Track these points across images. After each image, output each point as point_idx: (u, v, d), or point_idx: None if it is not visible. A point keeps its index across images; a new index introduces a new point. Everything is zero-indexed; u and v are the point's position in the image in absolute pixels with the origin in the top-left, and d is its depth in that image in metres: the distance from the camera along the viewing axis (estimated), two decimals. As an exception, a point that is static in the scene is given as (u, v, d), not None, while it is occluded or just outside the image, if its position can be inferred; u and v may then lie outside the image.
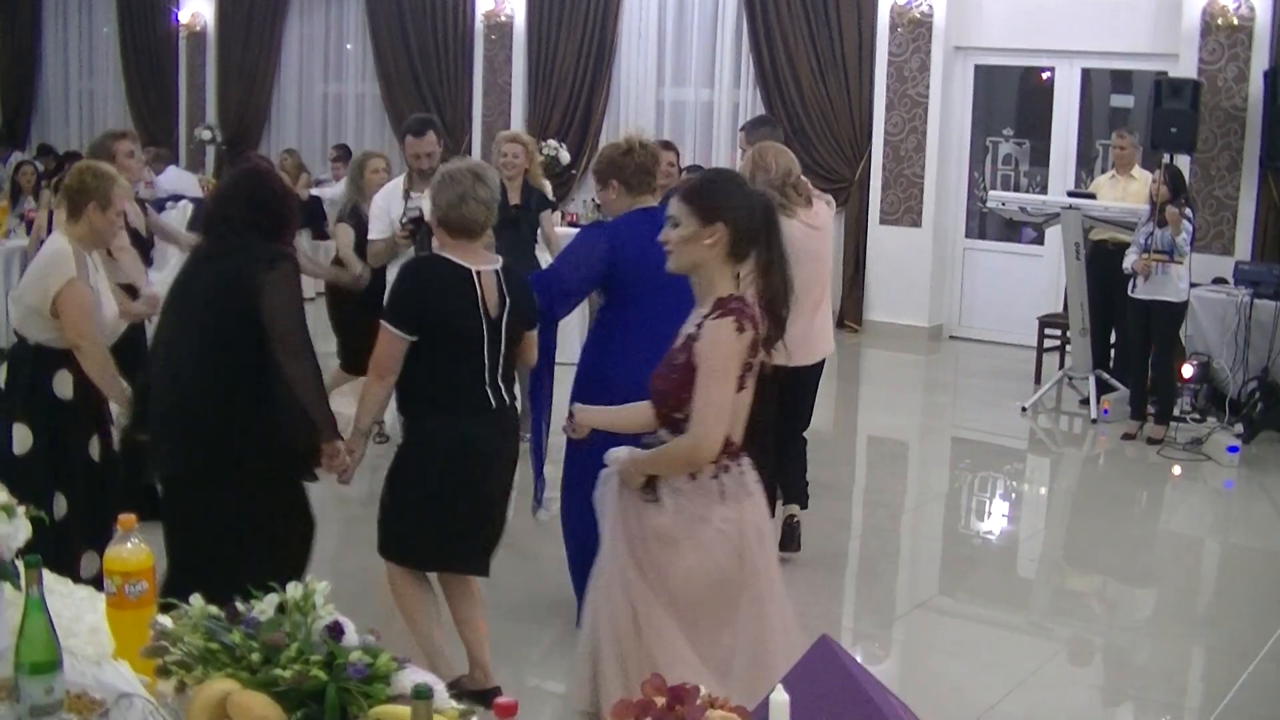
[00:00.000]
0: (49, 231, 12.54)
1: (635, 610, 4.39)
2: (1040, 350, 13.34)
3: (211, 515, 5.54)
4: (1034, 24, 14.62)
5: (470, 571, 6.00)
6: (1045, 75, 15.26)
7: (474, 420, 5.71)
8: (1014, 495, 10.71)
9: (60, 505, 6.16)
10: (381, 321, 5.65)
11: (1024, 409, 12.25)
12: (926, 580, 8.37)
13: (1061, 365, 13.04)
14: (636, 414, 4.67)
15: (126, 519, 3.36)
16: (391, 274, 8.20)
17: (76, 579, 5.96)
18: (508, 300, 5.71)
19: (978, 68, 15.52)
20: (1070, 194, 12.90)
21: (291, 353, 5.41)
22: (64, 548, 5.97)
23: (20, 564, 3.39)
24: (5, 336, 12.78)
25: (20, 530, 3.59)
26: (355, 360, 8.91)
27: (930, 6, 14.98)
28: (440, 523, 5.76)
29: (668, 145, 10.20)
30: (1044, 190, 14.87)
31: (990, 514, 10.09)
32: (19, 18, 24.75)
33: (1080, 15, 14.25)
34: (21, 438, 6.17)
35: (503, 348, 5.73)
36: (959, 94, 15.48)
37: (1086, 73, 14.90)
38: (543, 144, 16.42)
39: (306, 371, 5.51)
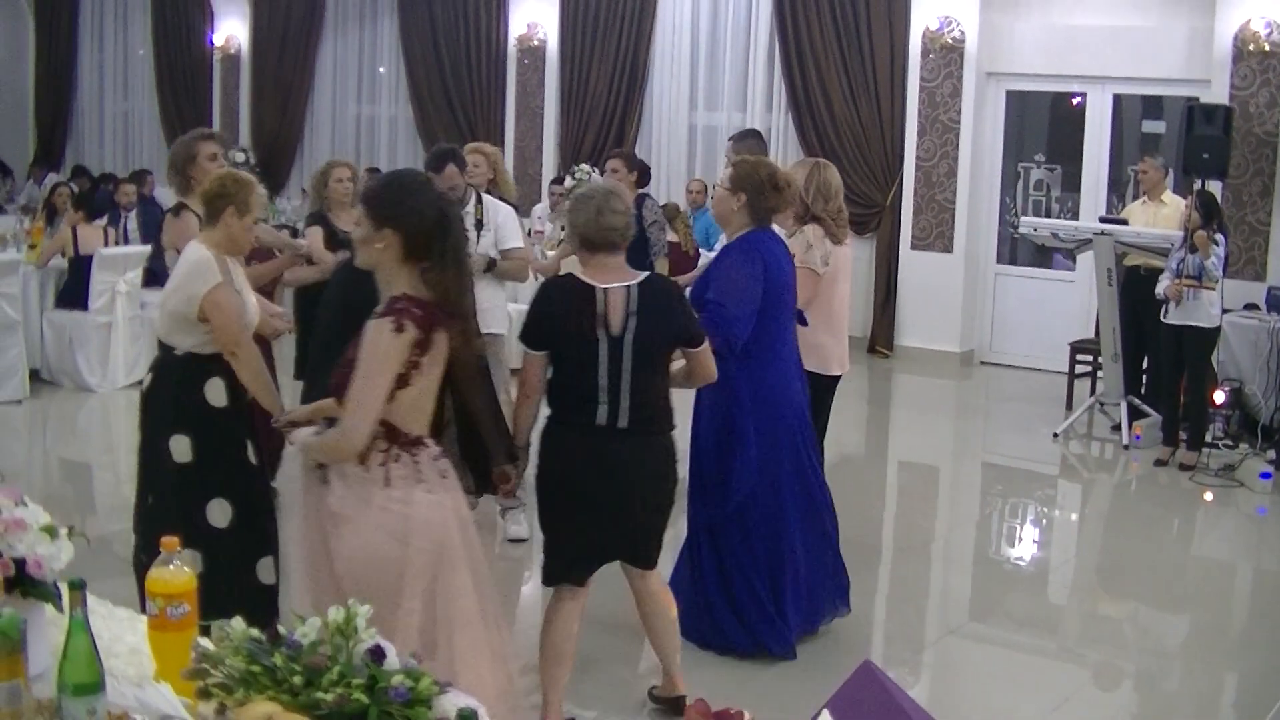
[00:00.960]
0: (75, 247, 12.77)
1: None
2: (1072, 376, 13.32)
3: None
4: (1066, 50, 14.62)
5: (632, 561, 6.04)
6: (1077, 101, 15.25)
7: (592, 437, 5.68)
8: (1046, 521, 10.69)
9: (225, 512, 6.11)
10: (522, 344, 5.78)
11: (1056, 435, 12.23)
12: (958, 606, 8.36)
13: (1093, 391, 13.02)
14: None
15: (169, 540, 3.39)
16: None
17: (254, 585, 6.17)
18: (635, 317, 5.66)
19: (1009, 93, 15.52)
20: (1102, 219, 12.88)
21: (476, 391, 5.49)
22: (238, 553, 6.14)
23: (63, 585, 3.42)
24: (38, 358, 12.95)
25: (63, 551, 3.62)
26: (302, 367, 8.97)
27: (962, 32, 15.00)
28: (565, 537, 5.85)
29: (616, 154, 10.73)
30: (1075, 216, 14.85)
31: (1022, 539, 10.07)
32: (55, 39, 24.94)
33: (1112, 41, 14.25)
34: (181, 448, 6.10)
35: (627, 364, 5.65)
36: (990, 119, 15.48)
37: (1118, 98, 14.89)
38: (575, 168, 16.44)
39: (489, 394, 5.86)
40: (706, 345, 5.95)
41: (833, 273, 7.62)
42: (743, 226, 6.80)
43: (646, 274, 5.90)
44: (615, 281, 5.69)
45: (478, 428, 5.47)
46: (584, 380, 5.65)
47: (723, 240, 7.54)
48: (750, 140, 9.61)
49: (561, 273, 8.53)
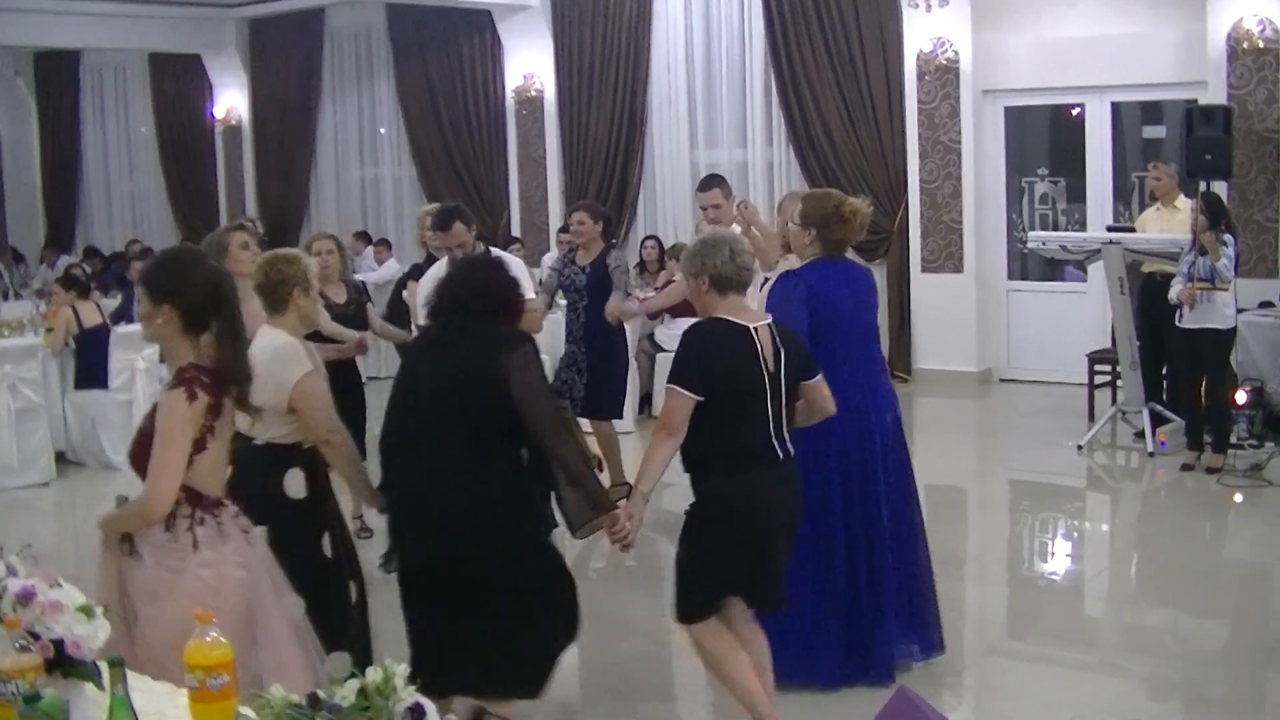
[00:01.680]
0: (79, 324, 12.82)
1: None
2: (1091, 387, 13.32)
3: (513, 588, 5.89)
4: (1060, 62, 14.66)
5: (765, 606, 6.19)
6: (1075, 112, 15.28)
7: (763, 474, 5.88)
8: (1076, 534, 10.66)
9: (296, 608, 5.79)
10: (669, 385, 5.84)
11: (1080, 447, 12.21)
12: (995, 625, 8.34)
13: (1114, 401, 13.00)
14: None
15: (203, 613, 3.41)
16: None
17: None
18: (783, 352, 5.90)
19: (1008, 109, 15.56)
20: (1110, 228, 12.91)
21: (555, 433, 5.76)
22: None
23: (103, 664, 3.44)
24: (62, 440, 12.99)
25: (100, 630, 3.64)
26: None
27: (956, 52, 15.04)
28: (732, 573, 5.96)
29: (579, 206, 11.15)
30: (1083, 227, 14.87)
31: (1054, 554, 10.06)
32: (59, 123, 25.15)
33: (1106, 49, 14.29)
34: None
35: (783, 399, 5.91)
36: (991, 137, 15.52)
37: (1116, 106, 14.92)
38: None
39: (572, 449, 5.87)
40: (821, 376, 6.13)
41: None
42: (813, 258, 7.02)
43: (770, 314, 6.16)
44: (757, 320, 5.96)
45: (572, 479, 5.78)
46: (754, 416, 5.84)
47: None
48: (717, 186, 10.23)
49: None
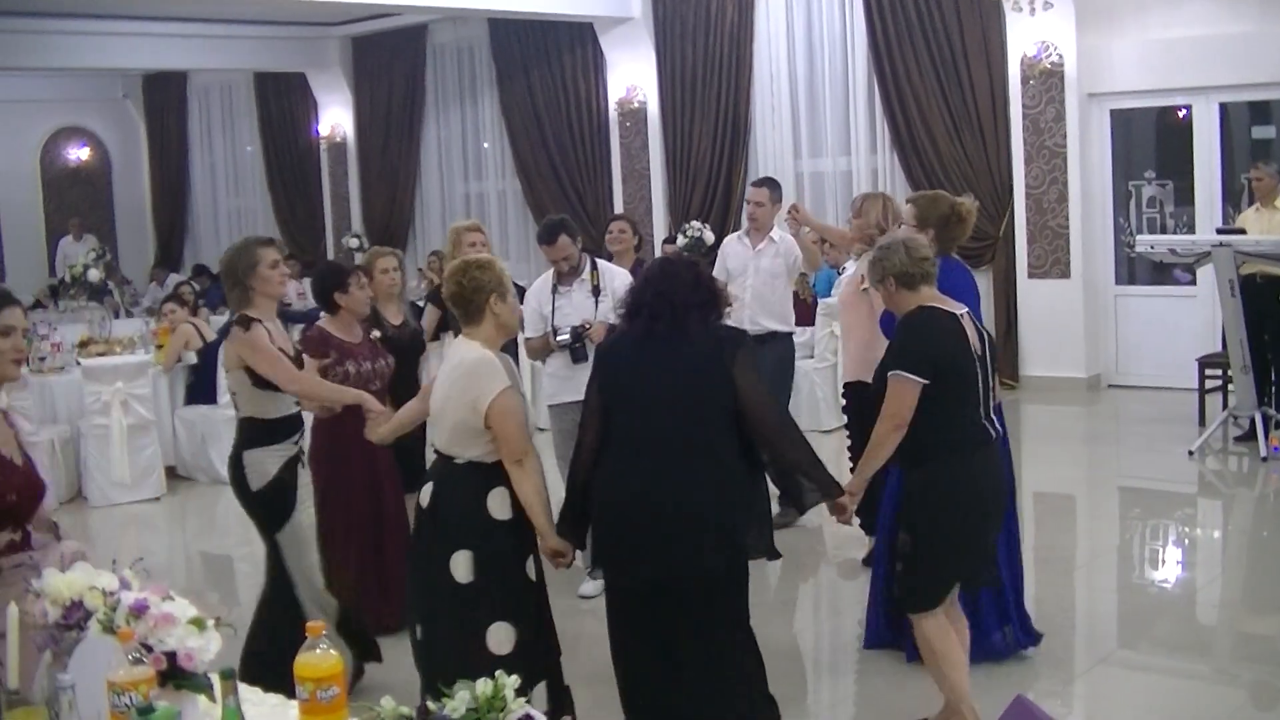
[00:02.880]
0: (205, 344, 12.99)
1: None
2: (1202, 391, 13.16)
3: (737, 611, 5.77)
4: (1166, 64, 14.51)
5: (981, 585, 6.46)
6: (1182, 114, 15.11)
7: (981, 453, 6.06)
8: (1188, 541, 10.53)
9: (508, 638, 5.72)
10: (896, 373, 5.93)
11: (1191, 453, 12.07)
12: (1106, 634, 8.24)
13: (1225, 405, 12.84)
14: None
15: (314, 626, 3.44)
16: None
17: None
18: (986, 336, 6.15)
19: (1113, 112, 15.42)
20: (1219, 231, 12.73)
21: (781, 430, 5.73)
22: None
23: (215, 676, 3.48)
24: (173, 455, 13.17)
25: (211, 643, 3.68)
26: None
27: (1060, 56, 14.92)
28: (965, 556, 6.10)
29: (619, 217, 11.00)
30: (1191, 230, 14.69)
31: (1165, 562, 9.94)
32: (167, 145, 25.54)
33: (1213, 50, 14.12)
34: (465, 567, 5.69)
35: (990, 382, 6.10)
36: (1096, 141, 15.38)
37: (1224, 107, 14.73)
38: (686, 225, 16.52)
39: (801, 445, 5.79)
40: None
41: None
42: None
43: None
44: (958, 309, 6.13)
45: (804, 474, 5.72)
46: (972, 400, 6.02)
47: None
48: (766, 187, 10.59)
49: None
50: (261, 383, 6.61)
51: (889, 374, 5.96)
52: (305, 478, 6.83)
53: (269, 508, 6.73)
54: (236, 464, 6.76)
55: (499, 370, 5.78)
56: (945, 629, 6.12)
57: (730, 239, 10.98)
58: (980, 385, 6.03)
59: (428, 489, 5.87)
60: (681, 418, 5.57)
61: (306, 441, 7.15)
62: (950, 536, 5.99)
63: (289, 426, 6.80)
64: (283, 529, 6.73)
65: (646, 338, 5.72)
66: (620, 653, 5.87)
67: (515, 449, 5.74)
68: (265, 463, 6.66)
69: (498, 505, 5.76)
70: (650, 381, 5.67)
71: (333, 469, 7.87)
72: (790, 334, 10.47)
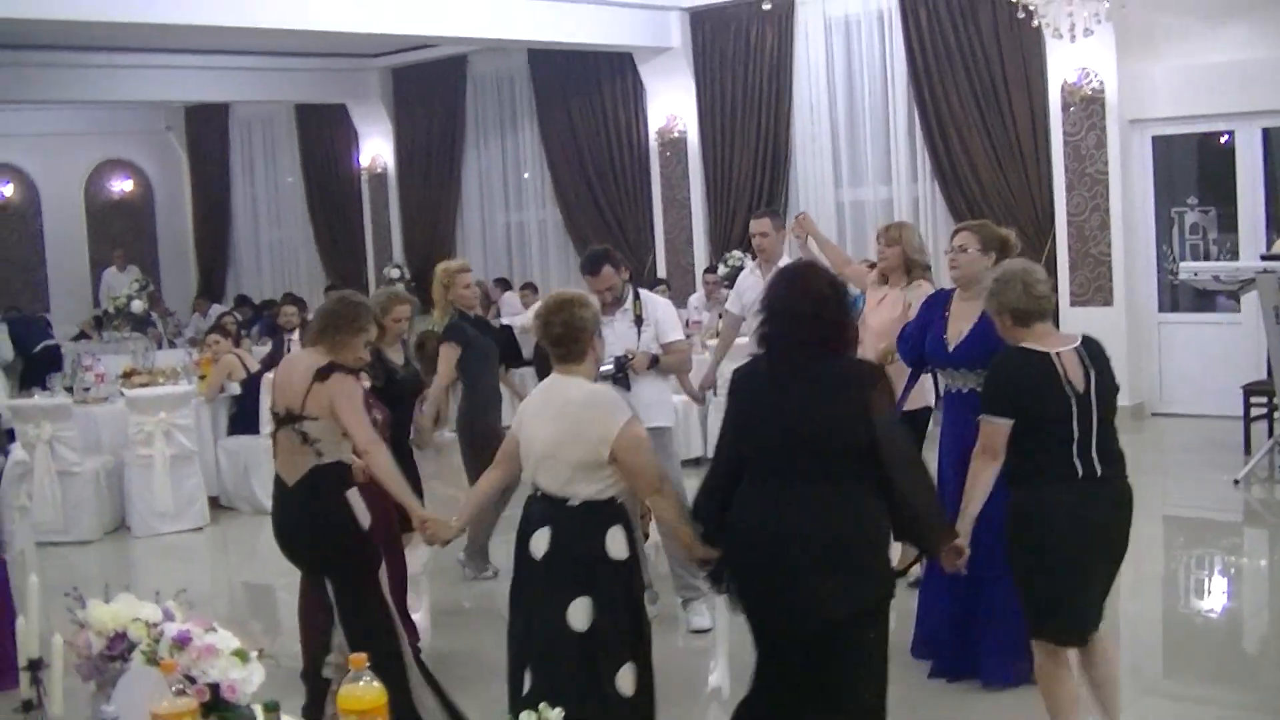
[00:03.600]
0: (248, 374, 13.07)
1: None
2: (1247, 419, 13.08)
3: (876, 646, 5.58)
4: (1208, 89, 14.45)
5: (1076, 642, 6.19)
6: (1224, 139, 15.06)
7: (1065, 489, 5.94)
8: (1234, 571, 10.46)
9: (632, 677, 5.61)
10: (984, 416, 6.05)
11: (1236, 481, 11.99)
12: (1152, 665, 8.20)
13: (1270, 433, 12.75)
14: None
15: (358, 658, 3.43)
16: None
17: None
18: (1092, 373, 6.03)
19: (1155, 138, 15.37)
20: (1264, 257, 12.66)
21: (910, 471, 5.57)
22: None
23: (258, 708, 3.49)
24: (215, 485, 13.22)
25: (254, 674, 3.69)
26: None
27: (1101, 82, 14.89)
28: (1053, 592, 6.02)
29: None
30: (1235, 256, 14.61)
31: (1211, 592, 9.87)
32: (210, 175, 25.74)
33: (1255, 75, 14.07)
34: (583, 614, 5.52)
35: (1093, 418, 5.99)
36: (1138, 167, 15.33)
37: (1267, 132, 14.66)
38: (728, 255, 16.55)
39: (927, 484, 5.73)
40: None
41: None
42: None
43: (1084, 335, 6.26)
44: (1062, 345, 6.11)
45: (919, 519, 5.58)
46: (1057, 436, 5.95)
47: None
48: (768, 217, 10.47)
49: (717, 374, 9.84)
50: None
51: (979, 415, 6.09)
52: None
53: (371, 547, 6.71)
54: (342, 506, 6.59)
55: (620, 401, 5.74)
56: (1053, 667, 6.13)
57: (744, 273, 10.93)
58: (1075, 422, 5.95)
59: (542, 536, 5.63)
60: (818, 452, 5.40)
61: None
62: (1031, 568, 6.02)
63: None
64: (378, 570, 6.70)
65: (782, 366, 5.53)
66: (762, 684, 5.68)
67: (652, 478, 5.69)
68: (358, 499, 6.63)
69: (616, 545, 5.62)
70: (786, 413, 5.46)
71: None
72: None
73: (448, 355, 9.74)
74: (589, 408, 5.64)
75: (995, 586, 6.99)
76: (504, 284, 20.14)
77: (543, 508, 5.67)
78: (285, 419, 6.68)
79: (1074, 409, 5.94)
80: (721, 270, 16.11)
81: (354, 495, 6.62)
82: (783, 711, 5.53)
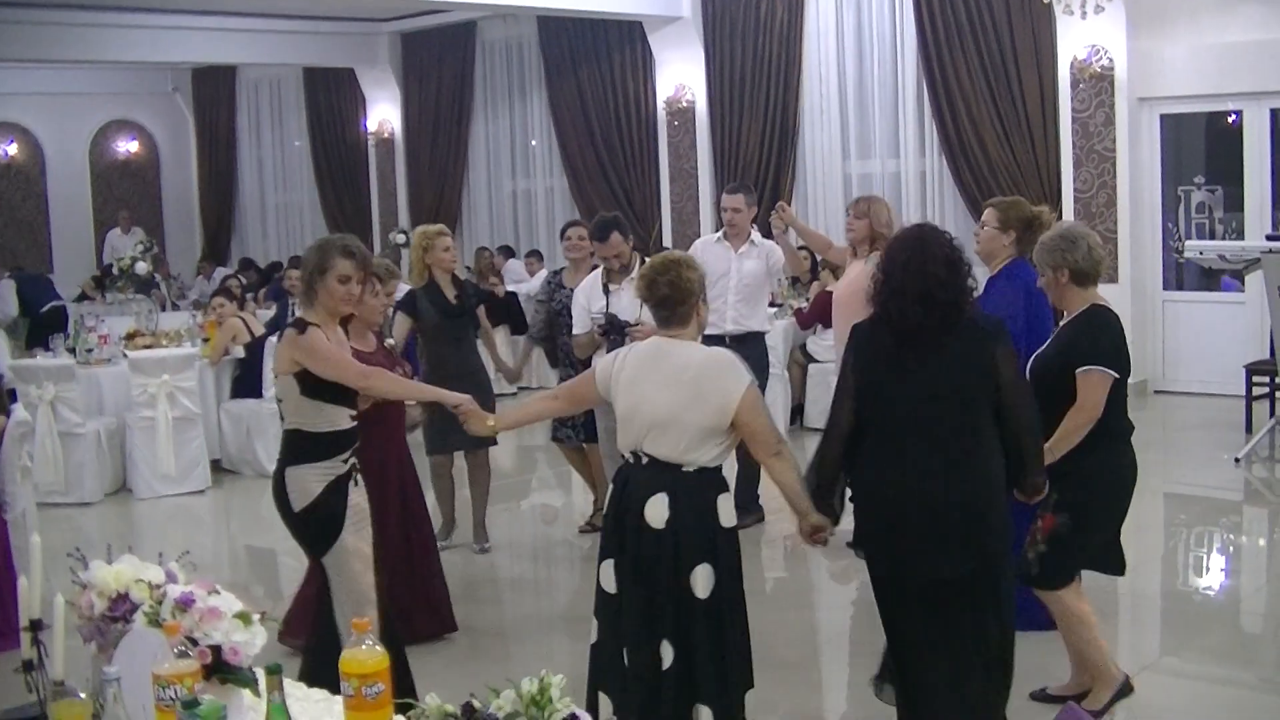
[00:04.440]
0: (252, 337, 13.07)
1: None
2: (1250, 399, 13.08)
3: (1007, 597, 5.70)
4: (1217, 69, 14.42)
5: (1118, 569, 6.92)
6: (1232, 119, 15.03)
7: (1129, 443, 6.58)
8: (1233, 549, 10.46)
9: (747, 645, 5.64)
10: (1094, 368, 6.31)
11: (1237, 460, 12.00)
12: (1150, 642, 8.22)
13: (1272, 413, 12.74)
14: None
15: (361, 622, 3.44)
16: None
17: None
18: None
19: (1163, 117, 15.34)
20: (1269, 237, 12.65)
21: (1033, 427, 5.67)
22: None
23: (260, 671, 3.50)
24: (218, 448, 13.23)
25: (257, 637, 3.70)
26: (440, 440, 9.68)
27: (1111, 59, 14.85)
28: (1107, 538, 6.60)
29: (576, 223, 10.74)
30: (1240, 236, 14.59)
31: (1210, 570, 9.88)
32: (215, 139, 25.71)
33: (1265, 55, 14.04)
34: (705, 581, 5.49)
35: None
36: (1146, 145, 15.30)
37: (1275, 112, 14.62)
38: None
39: (1040, 440, 5.81)
40: None
41: None
42: (1007, 259, 7.64)
43: None
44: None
45: (1033, 471, 5.70)
46: (1124, 394, 6.49)
47: None
48: (742, 193, 10.57)
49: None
50: (311, 390, 6.15)
51: (1084, 368, 6.28)
52: (357, 498, 6.31)
53: (311, 530, 6.29)
54: (279, 481, 6.28)
55: (737, 363, 5.64)
56: (1082, 594, 6.58)
57: (704, 242, 10.87)
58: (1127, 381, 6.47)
59: (659, 502, 5.51)
60: (948, 410, 5.47)
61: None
62: (1108, 517, 6.48)
63: (338, 442, 6.26)
64: (327, 553, 6.25)
65: (911, 328, 5.50)
66: (890, 632, 5.77)
67: (772, 441, 5.64)
68: (308, 480, 6.16)
69: (726, 513, 5.60)
70: (914, 372, 5.50)
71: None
72: (764, 333, 10.52)
73: (399, 325, 9.64)
74: (710, 371, 5.57)
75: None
76: (508, 251, 20.15)
77: (653, 475, 5.55)
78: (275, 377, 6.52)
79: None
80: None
81: (293, 474, 6.21)
82: (917, 665, 5.64)
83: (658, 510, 5.48)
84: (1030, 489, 5.77)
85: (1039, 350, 6.63)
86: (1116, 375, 6.32)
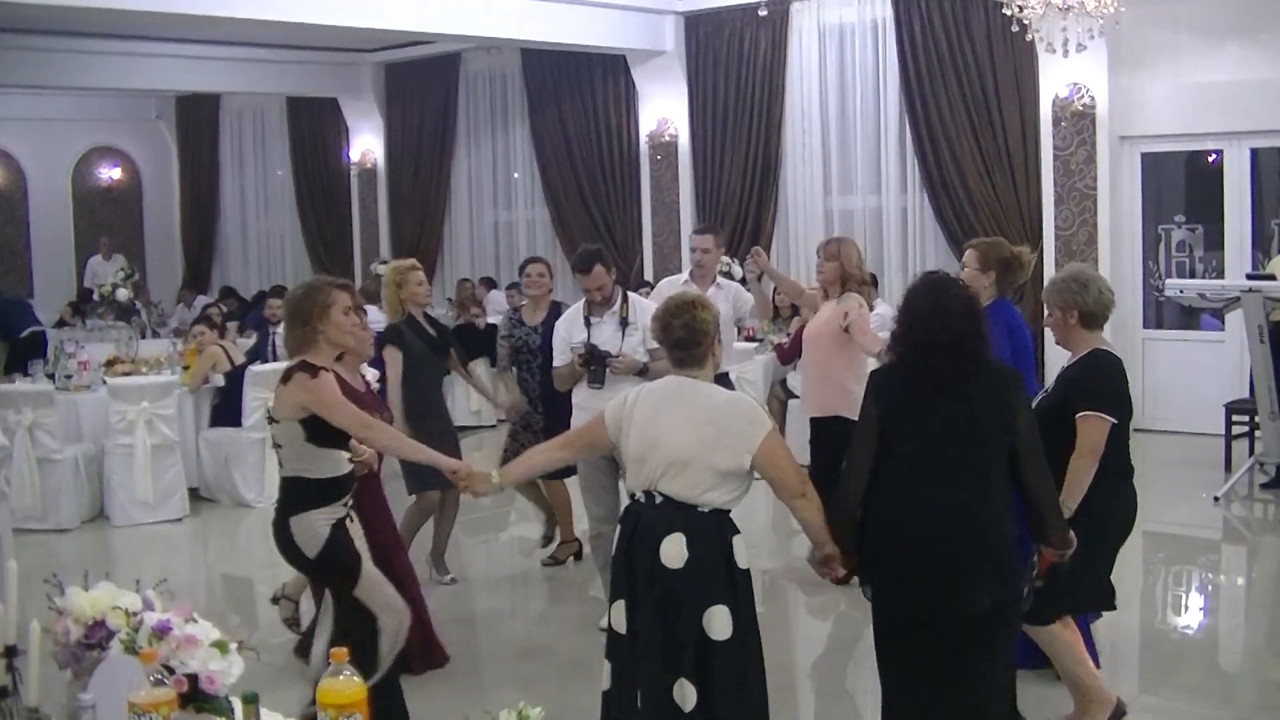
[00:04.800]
0: (232, 366, 13.04)
1: None
2: (1229, 437, 13.10)
3: (1010, 641, 5.87)
4: (1198, 108, 14.50)
5: (1108, 606, 7.07)
6: (1212, 158, 15.10)
7: (1131, 483, 6.80)
8: (1212, 587, 10.48)
9: (690, 693, 5.48)
10: (1093, 414, 6.44)
11: (1216, 498, 12.02)
12: (1129, 680, 8.20)
13: (1251, 451, 12.78)
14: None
15: (339, 652, 3.43)
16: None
17: None
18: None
19: (1144, 155, 15.41)
20: (1249, 276, 12.70)
21: (1042, 471, 5.71)
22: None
23: (236, 700, 3.48)
24: (196, 477, 13.20)
25: (234, 666, 3.68)
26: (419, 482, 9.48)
27: (1092, 97, 14.91)
28: (1103, 573, 6.78)
29: (536, 259, 10.53)
30: (1220, 275, 14.66)
31: (1189, 608, 9.89)
32: (199, 166, 25.71)
33: (1245, 96, 14.13)
34: (723, 622, 5.49)
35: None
36: (1127, 183, 15.36)
37: (1255, 152, 14.71)
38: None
39: (1049, 478, 5.81)
40: None
41: None
42: (988, 299, 7.60)
43: None
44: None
45: (1049, 513, 5.76)
46: (1126, 434, 6.67)
47: None
48: (711, 234, 10.79)
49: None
50: (318, 437, 6.12)
51: (1083, 413, 6.43)
52: (356, 529, 6.34)
53: (336, 571, 6.28)
54: (282, 530, 6.21)
55: (760, 411, 5.75)
56: (1071, 626, 6.75)
57: (669, 282, 10.93)
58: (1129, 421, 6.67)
59: (677, 542, 5.51)
60: (967, 452, 5.57)
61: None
62: (1104, 556, 6.66)
63: (340, 486, 6.27)
64: (357, 586, 6.24)
65: (933, 372, 5.62)
66: (885, 667, 5.82)
67: (795, 483, 5.65)
68: (315, 525, 6.14)
69: (741, 554, 5.61)
70: (935, 415, 5.61)
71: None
72: (729, 373, 10.37)
73: (392, 358, 9.59)
74: (730, 415, 5.61)
75: None
76: (490, 283, 20.14)
77: (668, 514, 5.54)
78: (271, 422, 6.43)
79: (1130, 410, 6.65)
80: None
81: (298, 522, 6.17)
82: (917, 704, 5.71)
83: (675, 550, 5.47)
84: (1061, 543, 5.80)
85: (1040, 393, 6.87)
86: (1114, 421, 6.46)
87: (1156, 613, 9.67)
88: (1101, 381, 6.57)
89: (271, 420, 6.38)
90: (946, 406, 5.58)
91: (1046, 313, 6.89)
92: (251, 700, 3.24)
